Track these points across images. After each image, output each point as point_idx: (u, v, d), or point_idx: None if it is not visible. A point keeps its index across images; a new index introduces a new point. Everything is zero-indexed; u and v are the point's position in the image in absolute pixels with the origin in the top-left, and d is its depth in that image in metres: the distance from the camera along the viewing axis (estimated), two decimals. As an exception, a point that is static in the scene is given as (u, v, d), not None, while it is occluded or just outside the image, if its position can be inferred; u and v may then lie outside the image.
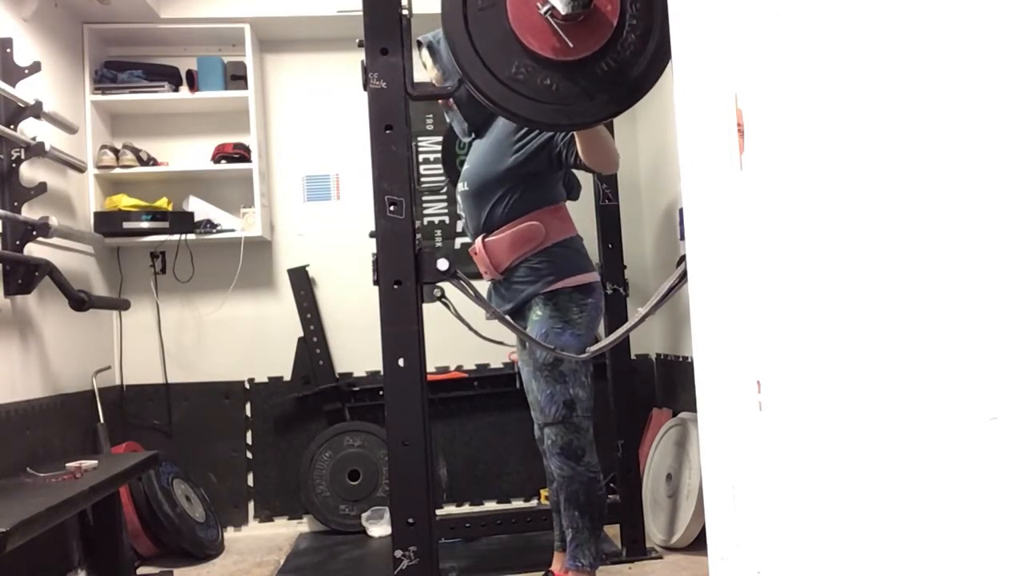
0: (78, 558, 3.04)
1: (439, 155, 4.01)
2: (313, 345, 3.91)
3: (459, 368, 4.02)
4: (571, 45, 1.77)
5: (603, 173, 3.01)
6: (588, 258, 2.61)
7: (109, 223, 3.59)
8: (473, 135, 2.65)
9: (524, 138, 2.47)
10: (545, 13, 1.76)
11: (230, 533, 3.83)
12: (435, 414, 3.76)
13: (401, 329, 1.95)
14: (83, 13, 3.58)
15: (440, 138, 4.01)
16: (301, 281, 3.93)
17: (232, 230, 3.78)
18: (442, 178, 4.02)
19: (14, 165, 2.88)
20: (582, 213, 2.68)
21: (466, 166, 2.64)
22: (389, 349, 1.95)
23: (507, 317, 2.19)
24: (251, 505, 3.90)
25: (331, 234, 3.98)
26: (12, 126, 2.86)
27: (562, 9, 1.73)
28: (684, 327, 3.58)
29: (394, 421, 1.96)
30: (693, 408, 1.01)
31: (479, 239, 2.55)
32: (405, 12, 2.06)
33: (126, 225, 3.61)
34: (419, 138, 3.99)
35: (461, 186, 2.63)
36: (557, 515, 2.69)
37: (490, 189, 2.51)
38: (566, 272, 2.48)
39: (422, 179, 4.03)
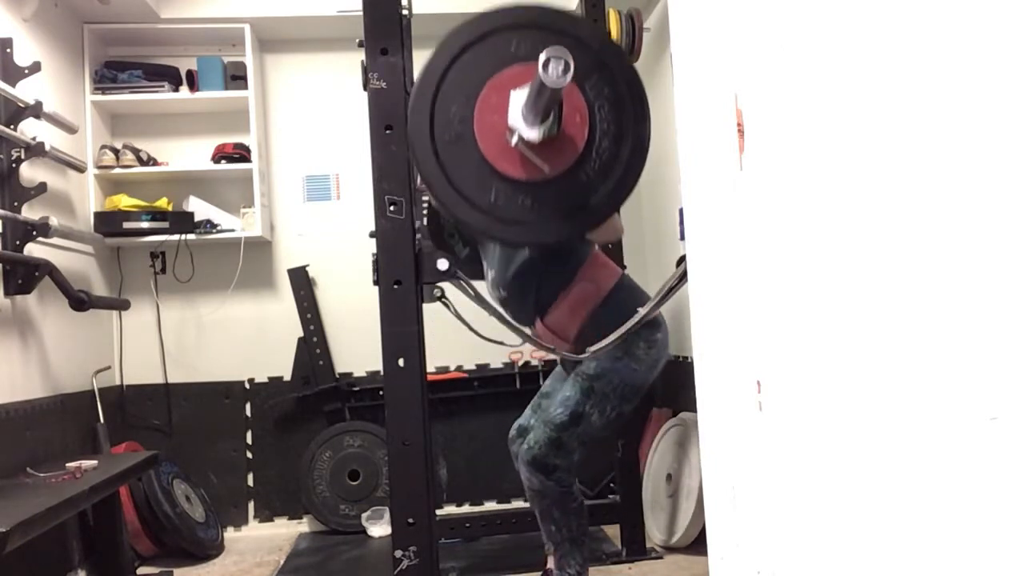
0: (78, 558, 3.04)
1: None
2: (313, 345, 3.91)
3: (459, 368, 4.01)
4: (546, 170, 1.76)
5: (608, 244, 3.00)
6: (643, 291, 2.56)
7: (109, 223, 3.59)
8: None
9: None
10: (516, 144, 1.75)
11: (230, 533, 3.83)
12: (435, 414, 3.76)
13: (401, 329, 1.95)
14: (83, 13, 3.58)
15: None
16: (301, 281, 3.93)
17: (232, 230, 3.77)
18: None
19: (14, 165, 2.88)
20: (582, 213, 2.68)
21: (489, 274, 2.61)
22: (389, 349, 1.95)
23: (510, 320, 2.18)
24: (251, 505, 3.90)
25: (331, 234, 3.98)
26: (12, 126, 2.86)
27: (535, 139, 1.72)
28: (684, 327, 3.58)
29: (394, 421, 1.96)
30: (693, 408, 1.01)
31: (537, 322, 2.51)
32: (405, 12, 2.06)
33: (126, 225, 3.61)
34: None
35: (496, 292, 2.57)
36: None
37: (524, 283, 2.49)
38: (630, 312, 2.37)
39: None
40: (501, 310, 2.60)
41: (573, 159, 1.80)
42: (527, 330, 2.50)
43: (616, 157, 1.84)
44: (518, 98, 1.78)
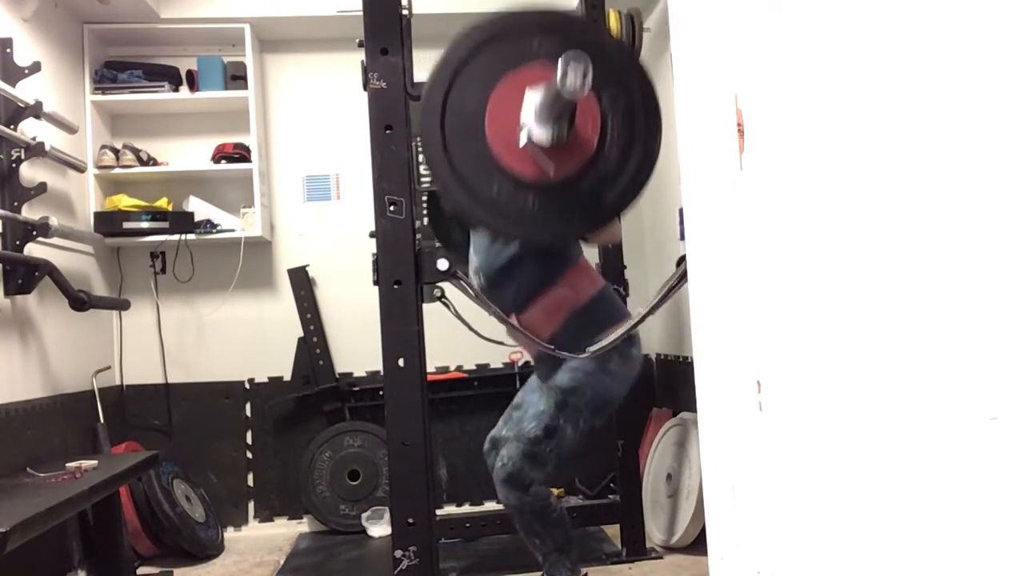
0: (78, 558, 3.04)
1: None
2: (313, 345, 3.91)
3: (459, 368, 4.01)
4: (552, 174, 1.75)
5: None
6: (623, 305, 2.60)
7: (109, 223, 3.59)
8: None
9: None
10: (524, 144, 1.74)
11: (230, 533, 3.83)
12: (435, 414, 3.76)
13: (401, 329, 1.95)
14: (83, 13, 3.58)
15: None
16: (301, 281, 3.93)
17: (232, 230, 3.77)
18: (442, 178, 4.02)
19: (14, 165, 2.88)
20: (582, 213, 2.68)
21: (474, 262, 2.61)
22: (389, 349, 1.95)
23: (506, 318, 2.18)
24: (251, 505, 3.90)
25: (331, 234, 3.98)
26: (12, 126, 2.86)
27: (545, 143, 1.71)
28: (684, 327, 3.58)
29: (394, 421, 1.96)
30: (693, 408, 1.01)
31: (513, 318, 2.50)
32: (405, 12, 2.06)
33: (126, 225, 3.61)
34: (419, 138, 3.98)
35: (477, 279, 2.58)
36: None
37: (506, 276, 2.50)
38: (605, 325, 2.41)
39: (422, 179, 4.02)
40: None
41: (580, 164, 1.79)
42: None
43: (623, 168, 1.83)
44: (532, 97, 1.76)
